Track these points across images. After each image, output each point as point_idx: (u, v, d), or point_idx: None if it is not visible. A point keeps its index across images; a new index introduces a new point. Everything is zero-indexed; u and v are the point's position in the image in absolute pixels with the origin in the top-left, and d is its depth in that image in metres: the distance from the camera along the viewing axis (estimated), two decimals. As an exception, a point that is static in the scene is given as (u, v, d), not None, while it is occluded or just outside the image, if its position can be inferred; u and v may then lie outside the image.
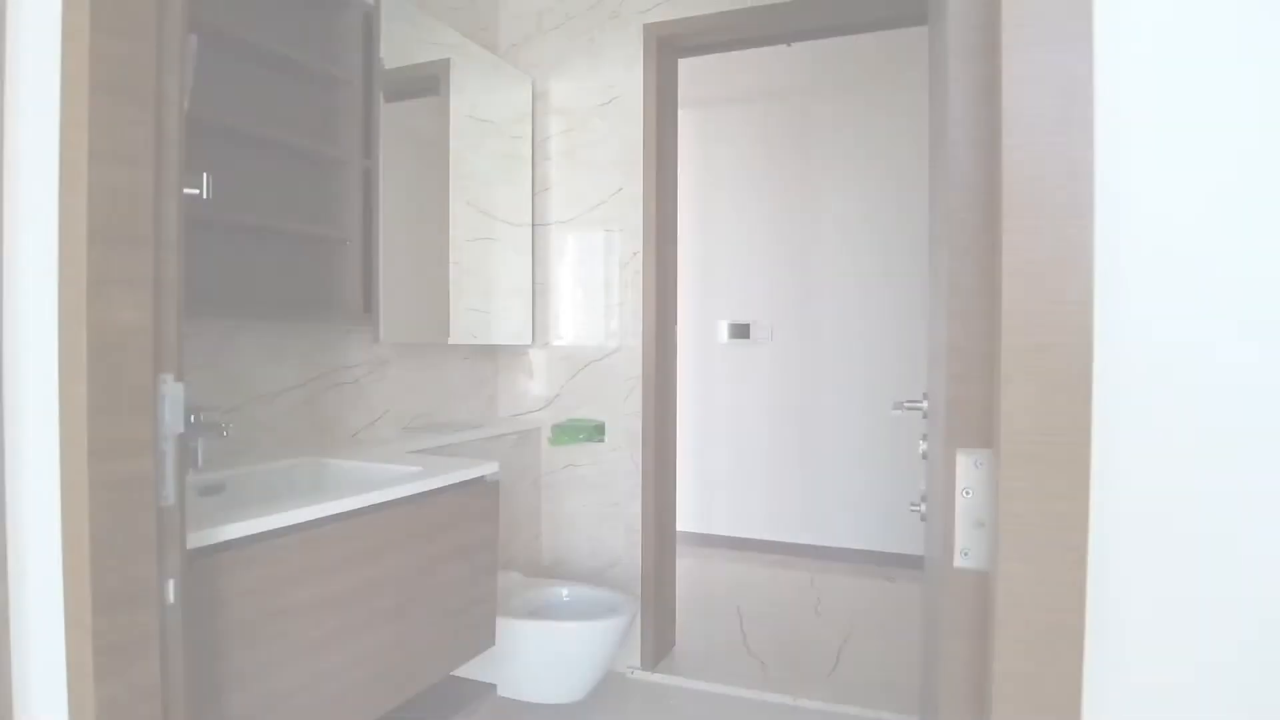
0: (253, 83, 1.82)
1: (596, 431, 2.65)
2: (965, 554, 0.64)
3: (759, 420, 4.12)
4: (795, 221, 4.02)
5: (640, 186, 2.59)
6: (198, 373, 1.73)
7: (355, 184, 1.99)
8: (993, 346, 0.63)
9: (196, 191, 1.20)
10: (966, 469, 0.63)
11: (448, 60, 2.52)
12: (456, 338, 2.45)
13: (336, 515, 1.37)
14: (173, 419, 0.97)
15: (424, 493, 1.57)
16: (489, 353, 2.77)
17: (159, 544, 0.96)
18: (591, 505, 2.69)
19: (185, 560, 1.02)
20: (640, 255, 2.60)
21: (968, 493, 0.63)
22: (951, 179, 0.63)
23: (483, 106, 2.60)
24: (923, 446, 1.49)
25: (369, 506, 1.44)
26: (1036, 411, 0.50)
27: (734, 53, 3.94)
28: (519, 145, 2.74)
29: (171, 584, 0.99)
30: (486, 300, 2.60)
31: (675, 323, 2.70)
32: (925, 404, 1.47)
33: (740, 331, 4.11)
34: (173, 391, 0.98)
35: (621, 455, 2.64)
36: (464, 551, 1.69)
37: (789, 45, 3.37)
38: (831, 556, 3.97)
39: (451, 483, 1.65)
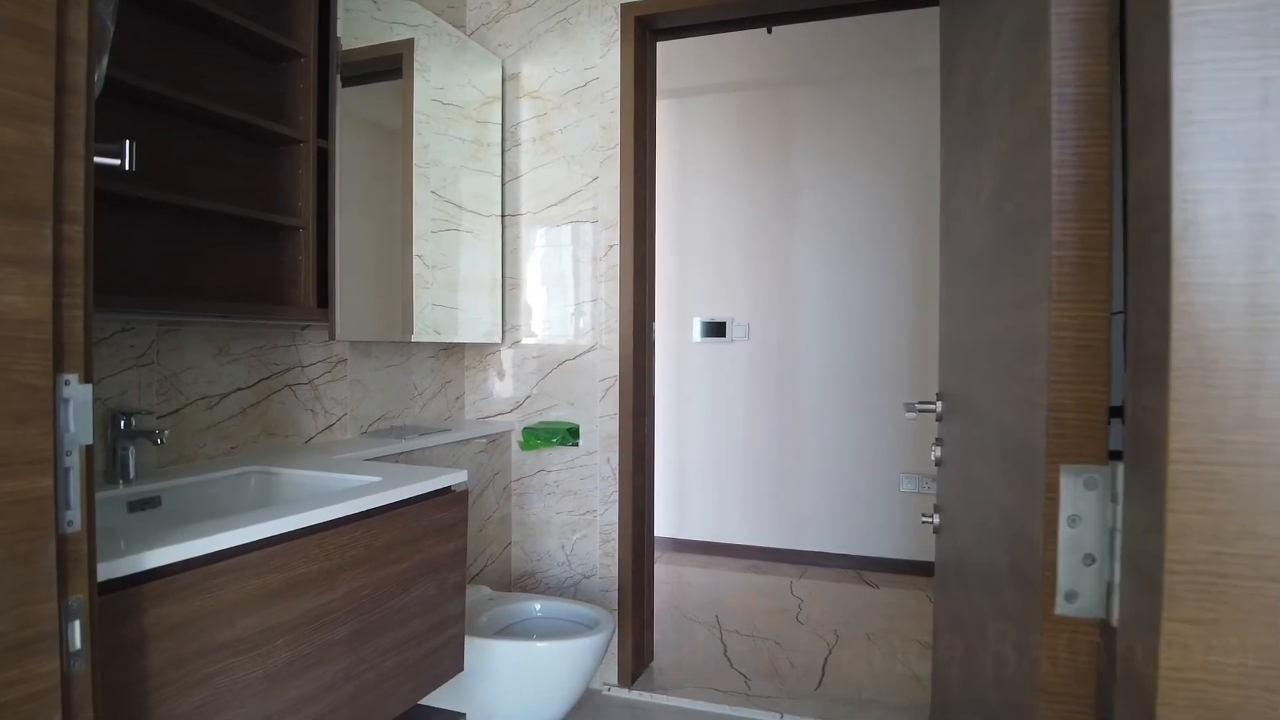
0: (193, 50, 1.63)
1: (570, 435, 2.50)
2: (1071, 598, 0.51)
3: (735, 422, 4.01)
4: (773, 215, 3.91)
5: (617, 175, 2.45)
6: (131, 373, 1.54)
7: (309, 166, 1.81)
8: (1110, 335, 0.50)
9: (116, 161, 1.03)
10: (1074, 491, 0.51)
11: (411, 40, 2.36)
12: (420, 335, 2.29)
13: (285, 534, 1.21)
14: (78, 428, 0.81)
15: (384, 506, 1.41)
16: (455, 351, 2.60)
17: (61, 579, 0.79)
18: (565, 513, 2.54)
19: (96, 596, 0.86)
20: (617, 248, 2.46)
21: (1076, 521, 0.50)
22: (1058, 127, 0.50)
23: (449, 89, 2.44)
24: (936, 453, 1.38)
25: (323, 523, 1.28)
26: (1218, 421, 0.38)
27: (710, 41, 3.82)
28: (488, 131, 2.58)
29: (77, 626, 0.83)
30: (452, 295, 2.43)
31: (653, 320, 2.56)
32: (939, 405, 1.36)
33: (715, 330, 3.99)
34: (78, 395, 0.81)
35: (597, 460, 2.49)
36: (430, 570, 1.53)
37: (769, 31, 3.26)
38: (810, 561, 3.87)
39: (415, 494, 1.49)
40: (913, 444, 3.68)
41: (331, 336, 1.86)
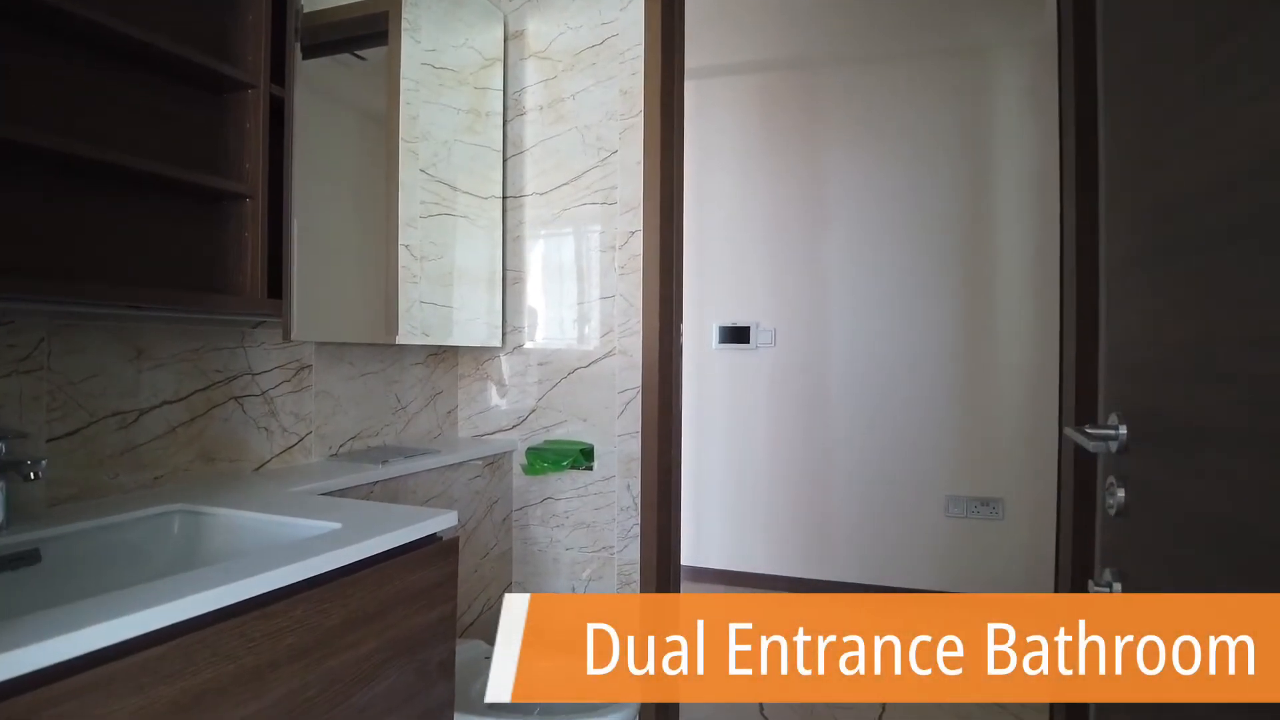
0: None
1: (583, 457, 2.11)
2: None
3: (758, 438, 3.61)
4: (800, 210, 3.53)
5: (639, 149, 2.07)
6: (10, 381, 1.16)
7: (260, 119, 1.43)
8: None
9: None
10: None
11: (398, -6, 1.98)
12: (406, 337, 1.90)
13: (185, 623, 0.81)
14: None
15: (342, 569, 1.02)
16: (447, 357, 2.21)
17: None
18: (576, 549, 2.14)
19: None
20: (639, 235, 2.07)
21: None
22: None
23: (443, 51, 2.06)
24: (1119, 497, 0.99)
25: (248, 600, 0.88)
26: None
27: (730, 17, 3.46)
28: (487, 99, 2.20)
29: None
30: (444, 291, 2.05)
31: (680, 321, 2.17)
32: (1122, 431, 0.97)
33: (737, 335, 3.60)
34: None
35: (615, 486, 2.10)
36: (405, 649, 1.13)
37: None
38: (842, 593, 3.47)
39: (387, 549, 1.10)
40: (960, 464, 3.29)
41: (286, 336, 1.47)
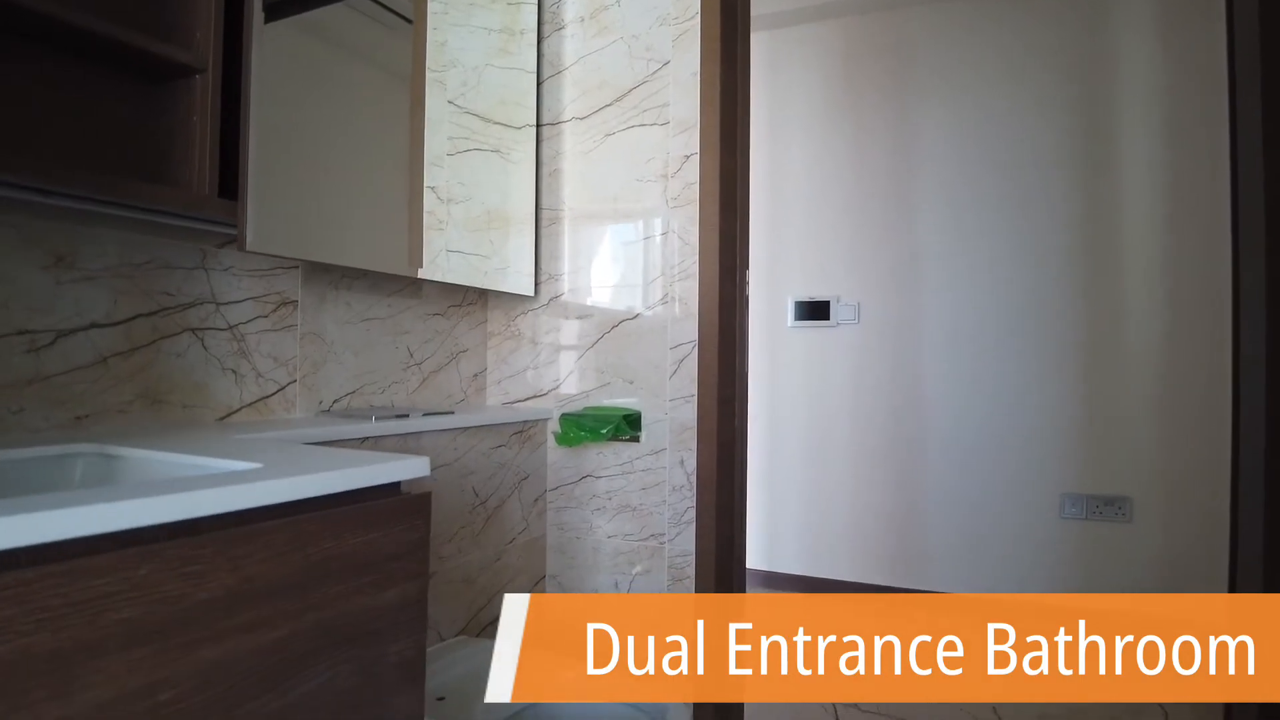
0: None
1: (627, 424, 1.76)
2: None
3: (839, 426, 3.19)
4: (888, 169, 3.11)
5: (695, 57, 1.73)
6: None
7: (214, -24, 1.15)
8: None
9: None
10: None
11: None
12: (427, 274, 1.63)
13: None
14: None
15: (234, 514, 0.70)
16: (473, 311, 1.91)
17: None
18: (620, 537, 1.79)
19: None
20: (695, 160, 1.73)
21: None
22: None
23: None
24: None
25: (47, 546, 0.57)
26: None
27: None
28: (521, 15, 1.90)
29: None
30: (475, 238, 1.77)
31: (746, 265, 1.81)
32: None
33: (816, 312, 3.20)
34: None
35: (665, 461, 1.75)
36: (343, 640, 0.81)
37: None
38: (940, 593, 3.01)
39: (307, 495, 0.77)
40: (1079, 457, 2.80)
41: (241, 245, 1.17)
